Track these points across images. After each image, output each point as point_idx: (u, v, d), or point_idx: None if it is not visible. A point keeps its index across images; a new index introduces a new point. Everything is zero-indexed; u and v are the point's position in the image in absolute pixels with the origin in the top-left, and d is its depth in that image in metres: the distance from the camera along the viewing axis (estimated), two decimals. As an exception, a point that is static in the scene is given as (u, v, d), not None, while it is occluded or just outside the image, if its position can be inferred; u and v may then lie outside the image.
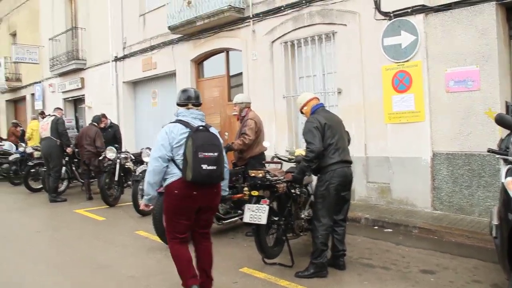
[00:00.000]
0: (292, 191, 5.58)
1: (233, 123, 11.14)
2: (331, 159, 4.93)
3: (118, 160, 9.70)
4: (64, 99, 18.43)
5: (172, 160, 4.08)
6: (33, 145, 13.46)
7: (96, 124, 10.67)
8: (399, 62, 7.67)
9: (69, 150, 10.46)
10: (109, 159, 9.72)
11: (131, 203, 8.43)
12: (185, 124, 4.12)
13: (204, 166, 3.94)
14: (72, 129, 17.43)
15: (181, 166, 4.03)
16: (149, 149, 9.12)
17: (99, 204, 9.66)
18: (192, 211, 4.18)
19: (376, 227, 7.21)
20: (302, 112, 5.42)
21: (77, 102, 18.61)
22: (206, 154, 3.98)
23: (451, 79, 7.13)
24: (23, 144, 14.16)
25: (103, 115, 11.36)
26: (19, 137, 16.43)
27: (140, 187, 8.45)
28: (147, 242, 6.64)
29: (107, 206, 9.46)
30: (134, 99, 15.21)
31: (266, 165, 6.71)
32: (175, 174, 4.08)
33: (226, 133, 11.27)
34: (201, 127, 4.14)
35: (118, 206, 9.59)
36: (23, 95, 22.23)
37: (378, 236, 6.73)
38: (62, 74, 18.24)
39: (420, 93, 7.44)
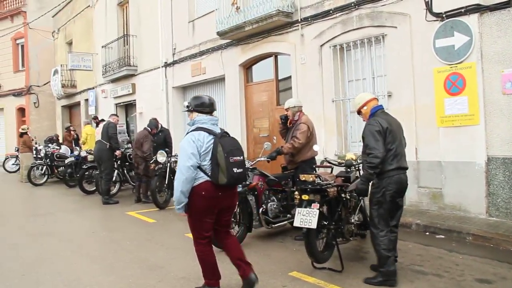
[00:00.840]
0: (342, 195, 5.53)
1: (281, 127, 11.14)
2: (390, 165, 4.81)
3: (168, 164, 9.89)
4: (116, 104, 18.99)
5: (198, 167, 4.29)
6: (87, 149, 13.95)
7: (149, 129, 10.89)
8: (452, 64, 7.47)
9: (118, 153, 10.80)
10: (160, 163, 9.94)
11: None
12: (208, 131, 4.37)
13: (235, 169, 4.28)
14: (124, 133, 18.01)
15: (208, 171, 4.29)
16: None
17: (150, 206, 9.90)
18: (216, 211, 4.47)
19: (427, 233, 7.03)
20: (359, 113, 5.29)
21: (128, 107, 19.12)
22: (235, 158, 4.32)
23: (508, 80, 6.88)
24: (78, 148, 14.70)
25: (155, 119, 11.62)
26: (71, 141, 17.05)
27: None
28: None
29: (158, 209, 9.66)
30: (183, 103, 15.46)
31: (317, 169, 6.68)
32: (201, 177, 4.30)
33: (274, 137, 11.37)
34: (224, 133, 4.49)
35: (168, 208, 9.78)
36: (77, 101, 23.05)
37: (430, 242, 6.56)
38: (114, 80, 18.79)
39: (474, 95, 7.22)
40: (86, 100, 21.69)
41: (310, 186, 5.08)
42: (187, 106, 4.59)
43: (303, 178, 5.14)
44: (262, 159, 6.85)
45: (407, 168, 5.03)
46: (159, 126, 11.69)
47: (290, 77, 10.81)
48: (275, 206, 6.92)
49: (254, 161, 6.89)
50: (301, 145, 6.78)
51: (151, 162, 10.22)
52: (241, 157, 4.41)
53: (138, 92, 17.34)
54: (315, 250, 5.08)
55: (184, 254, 6.25)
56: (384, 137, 4.77)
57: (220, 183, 4.26)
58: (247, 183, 6.53)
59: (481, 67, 7.15)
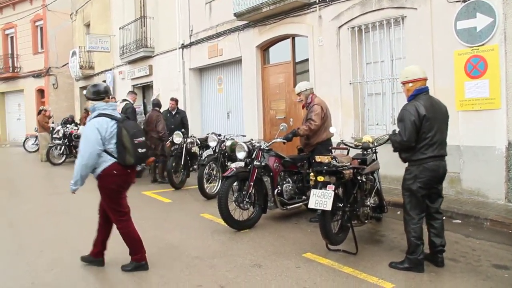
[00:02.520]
0: (358, 178, 5.49)
1: (298, 109, 11.06)
2: (423, 154, 4.63)
3: (184, 145, 9.92)
4: (133, 85, 19.04)
5: (104, 150, 4.57)
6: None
7: (158, 108, 10.94)
8: (473, 47, 7.30)
9: None
10: (176, 144, 9.97)
11: (197, 186, 8.60)
12: (110, 116, 4.63)
13: (140, 150, 4.66)
14: (140, 115, 18.08)
15: (114, 154, 4.59)
16: (215, 134, 9.27)
17: (166, 187, 9.95)
18: (127, 187, 4.90)
19: (444, 218, 6.93)
20: (402, 85, 4.92)
21: (145, 89, 19.18)
22: (139, 139, 4.69)
23: (532, 63, 6.72)
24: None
25: (172, 98, 11.63)
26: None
27: (206, 171, 8.64)
28: (212, 224, 6.76)
29: (174, 189, 9.71)
30: (200, 85, 15.49)
31: (333, 151, 6.63)
32: (109, 160, 4.60)
33: (291, 119, 11.33)
34: (125, 117, 4.86)
35: (184, 189, 9.83)
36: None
37: (447, 227, 6.34)
38: (131, 62, 18.83)
39: (496, 79, 7.06)
40: (104, 81, 21.76)
41: (325, 167, 5.04)
42: (85, 95, 4.96)
43: (319, 160, 5.10)
44: (278, 140, 6.82)
45: (445, 155, 4.78)
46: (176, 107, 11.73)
47: (307, 59, 10.71)
48: (290, 187, 6.89)
49: (270, 142, 6.87)
50: (317, 127, 6.73)
51: (167, 142, 10.28)
52: (143, 138, 4.79)
53: (155, 73, 17.36)
54: (330, 232, 5.06)
55: (198, 234, 6.29)
56: (419, 126, 4.57)
57: (127, 164, 4.63)
58: (262, 163, 6.51)
59: (504, 49, 6.97)
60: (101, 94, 4.82)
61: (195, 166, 10.21)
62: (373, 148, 6.28)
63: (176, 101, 11.73)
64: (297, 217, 7.14)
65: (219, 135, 9.31)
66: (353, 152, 6.33)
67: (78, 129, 15.51)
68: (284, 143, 6.76)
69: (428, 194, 4.79)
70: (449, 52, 7.60)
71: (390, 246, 5.65)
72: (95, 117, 4.63)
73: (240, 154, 6.72)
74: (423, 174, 4.66)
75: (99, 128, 4.52)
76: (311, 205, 4.93)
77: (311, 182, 5.12)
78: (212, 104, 14.91)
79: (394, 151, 4.90)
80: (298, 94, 7.18)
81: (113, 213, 4.85)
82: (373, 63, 9.21)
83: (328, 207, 4.83)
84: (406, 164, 4.86)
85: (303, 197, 7.13)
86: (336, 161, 5.10)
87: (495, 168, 7.20)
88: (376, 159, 6.34)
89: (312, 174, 5.12)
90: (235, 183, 6.43)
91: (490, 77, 7.14)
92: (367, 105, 9.50)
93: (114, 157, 4.59)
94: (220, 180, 8.91)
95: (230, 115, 13.96)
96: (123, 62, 19.35)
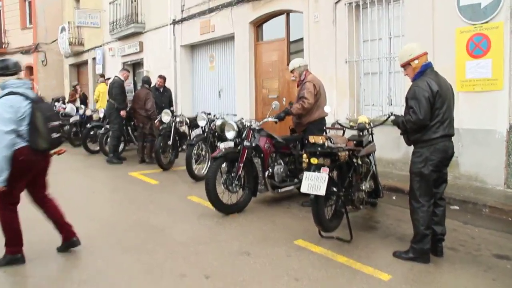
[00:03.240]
0: (354, 160, 5.17)
1: (292, 88, 10.72)
2: (434, 133, 4.31)
3: (173, 124, 9.56)
4: (124, 63, 18.51)
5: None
6: (100, 107, 13.60)
7: (148, 86, 10.56)
8: (477, 24, 6.94)
9: (122, 113, 10.42)
10: (165, 123, 9.61)
11: (185, 167, 8.28)
12: (23, 95, 4.22)
13: (53, 135, 4.36)
14: (131, 93, 17.64)
15: (25, 136, 4.20)
16: (205, 113, 8.90)
17: (154, 167, 9.61)
18: (30, 175, 4.41)
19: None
20: (405, 66, 4.57)
21: (135, 66, 18.69)
22: (53, 123, 4.38)
23: (538, 42, 6.37)
24: (83, 106, 14.38)
25: (160, 76, 11.25)
26: (75, 100, 16.69)
27: (195, 151, 8.31)
28: (199, 208, 6.45)
29: (161, 170, 9.38)
30: (191, 63, 15.04)
31: (327, 131, 6.31)
32: (18, 143, 4.17)
33: (284, 98, 10.96)
34: (39, 98, 4.53)
35: (172, 170, 9.50)
36: (85, 59, 22.62)
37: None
38: (121, 38, 18.30)
39: (499, 58, 6.72)
40: (94, 58, 21.27)
41: (319, 148, 4.71)
42: None
43: (313, 140, 4.75)
44: (270, 119, 6.47)
45: (453, 135, 4.48)
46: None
47: (301, 36, 10.28)
48: (282, 170, 6.59)
49: (262, 122, 6.52)
50: (310, 105, 6.38)
51: (155, 121, 9.93)
52: (58, 122, 4.52)
53: (146, 50, 16.88)
54: (323, 218, 4.75)
55: (185, 218, 5.98)
56: (432, 102, 4.25)
57: (39, 149, 4.28)
58: (252, 144, 6.18)
59: (509, 27, 6.60)
60: (10, 69, 4.37)
61: (184, 146, 9.88)
62: (369, 129, 5.95)
63: (164, 78, 11.34)
64: (288, 201, 6.84)
65: (209, 114, 8.94)
66: (348, 134, 6.01)
67: (65, 108, 15.07)
68: (276, 122, 6.42)
69: (435, 179, 4.48)
70: (451, 29, 7.24)
71: (386, 233, 5.37)
72: (6, 95, 4.19)
73: (230, 134, 6.37)
74: (434, 155, 4.35)
75: (12, 106, 4.10)
76: (304, 189, 4.61)
77: (304, 165, 4.81)
78: (204, 82, 14.49)
79: (404, 132, 4.56)
80: (292, 71, 6.83)
81: (3, 198, 4.29)
82: (370, 41, 8.83)
83: (322, 191, 4.51)
84: (409, 147, 4.60)
85: (295, 180, 6.83)
86: (331, 142, 4.76)
87: (495, 152, 6.90)
88: (372, 140, 6.03)
89: (305, 155, 4.79)
90: (224, 165, 6.10)
91: (493, 57, 6.80)
92: (363, 84, 9.14)
93: (26, 140, 4.20)
94: (209, 161, 8.59)
95: (222, 93, 13.57)
96: (113, 38, 18.81)
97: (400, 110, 8.35)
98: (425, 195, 4.44)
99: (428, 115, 4.27)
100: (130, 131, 11.39)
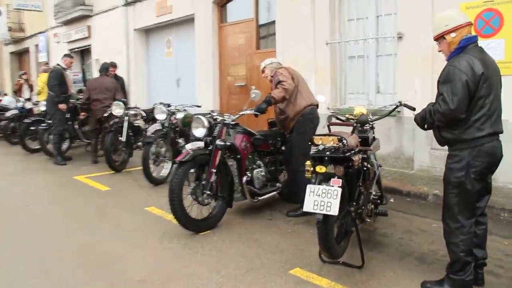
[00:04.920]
0: (364, 163, 4.01)
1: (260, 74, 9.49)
2: (480, 131, 3.19)
3: (126, 118, 8.18)
4: (70, 50, 16.76)
5: None
6: (43, 99, 11.92)
7: (107, 74, 9.15)
8: (486, -2, 5.94)
9: (60, 107, 8.86)
10: (116, 116, 8.22)
11: (141, 168, 6.95)
12: None
13: None
14: (79, 83, 16.00)
15: None
16: (163, 104, 7.55)
17: (104, 168, 8.18)
18: None
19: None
20: (438, 40, 3.44)
21: (84, 53, 17.03)
22: None
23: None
24: (21, 99, 12.61)
25: (112, 64, 9.81)
26: (21, 92, 14.89)
27: (153, 150, 6.99)
28: (161, 224, 5.15)
29: (113, 172, 7.99)
30: (146, 48, 13.55)
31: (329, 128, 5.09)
32: None
33: (253, 87, 9.66)
34: None
35: (125, 171, 8.12)
36: (26, 47, 20.69)
37: (457, 220, 5.19)
38: (67, 23, 16.63)
39: (513, 36, 5.73)
40: (37, 45, 19.37)
41: (327, 153, 3.50)
42: None
43: (319, 142, 3.54)
44: (248, 112, 5.19)
45: (501, 132, 3.39)
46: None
47: (274, 17, 9.06)
48: (262, 174, 5.40)
49: (237, 115, 5.24)
50: (292, 86, 5.15)
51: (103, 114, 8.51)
52: None
53: (95, 35, 15.31)
54: (333, 243, 3.56)
55: (143, 240, 4.67)
56: (474, 89, 3.14)
57: None
58: (226, 143, 4.94)
59: (527, -1, 5.63)
60: None
61: (140, 143, 8.51)
62: (371, 123, 4.81)
63: (115, 66, 9.89)
64: (269, 209, 5.64)
65: (169, 105, 7.59)
66: (346, 129, 4.85)
67: (1, 100, 13.30)
68: (256, 115, 5.19)
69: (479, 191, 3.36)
70: (455, 4, 6.17)
71: (400, 251, 4.27)
72: None
73: (198, 131, 5.05)
74: (479, 160, 3.21)
75: None
76: (308, 207, 3.40)
77: (307, 174, 3.58)
78: (160, 70, 13.04)
79: (428, 127, 3.46)
80: (263, 71, 5.73)
81: None
82: (356, 20, 7.69)
83: (334, 210, 3.33)
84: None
85: (277, 184, 5.67)
86: (344, 143, 3.56)
87: (506, 145, 5.88)
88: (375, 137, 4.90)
89: (308, 162, 3.56)
90: (192, 170, 4.81)
91: (506, 36, 5.81)
92: (346, 69, 8.02)
93: None
94: (170, 162, 7.28)
95: (181, 82, 12.18)
96: (58, 23, 17.11)
97: (389, 99, 7.37)
98: (466, 212, 3.32)
99: (464, 106, 3.13)
100: (76, 126, 9.87)
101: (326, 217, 3.41)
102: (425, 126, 3.52)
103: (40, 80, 12.91)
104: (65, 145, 9.71)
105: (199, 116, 5.04)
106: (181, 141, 7.46)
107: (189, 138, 7.50)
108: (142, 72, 13.49)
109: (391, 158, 7.10)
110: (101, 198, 6.36)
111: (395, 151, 7.03)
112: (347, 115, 5.00)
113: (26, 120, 10.50)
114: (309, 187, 3.45)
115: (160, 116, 7.33)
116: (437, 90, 3.38)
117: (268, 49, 9.32)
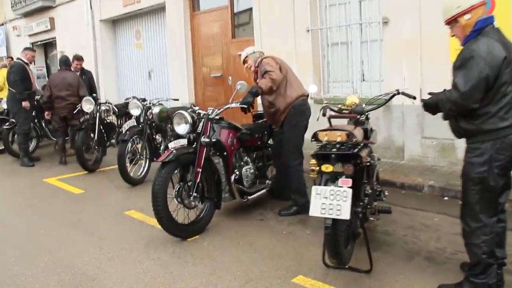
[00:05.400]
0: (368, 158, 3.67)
1: (238, 64, 9.06)
2: (503, 120, 2.87)
3: (97, 114, 7.67)
4: (32, 43, 15.93)
5: None
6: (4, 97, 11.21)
7: (69, 68, 8.54)
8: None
9: (24, 105, 8.22)
10: (87, 113, 7.70)
11: (116, 166, 6.50)
12: None
13: None
14: (44, 78, 15.28)
15: None
16: (137, 99, 7.07)
17: (76, 169, 7.66)
18: None
19: (446, 198, 5.41)
20: (450, 23, 3.10)
21: (47, 47, 16.22)
22: None
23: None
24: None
25: (77, 57, 9.21)
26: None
27: (129, 148, 6.53)
28: (144, 230, 4.72)
29: (86, 172, 7.48)
30: (114, 40, 12.91)
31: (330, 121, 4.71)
32: None
33: (230, 78, 9.31)
34: None
35: (99, 171, 7.63)
36: (-15, 41, 19.62)
37: (454, 212, 4.94)
38: (27, 14, 15.75)
39: (506, 20, 5.44)
40: (-5, 39, 18.41)
41: (334, 150, 3.14)
42: None
43: (325, 138, 3.18)
44: (234, 105, 4.78)
45: None
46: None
47: (250, 4, 8.63)
48: (251, 170, 5.04)
49: (222, 109, 4.83)
50: (279, 77, 4.74)
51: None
52: None
53: (58, 28, 14.52)
54: (342, 249, 3.23)
55: (125, 250, 4.23)
56: (493, 75, 2.80)
57: None
58: (211, 139, 4.54)
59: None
60: None
61: (113, 141, 8.03)
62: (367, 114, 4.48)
63: (82, 59, 9.29)
64: (259, 208, 5.28)
65: (144, 100, 7.11)
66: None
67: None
68: (243, 110, 4.78)
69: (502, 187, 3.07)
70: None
71: (406, 250, 3.97)
72: None
73: (181, 128, 4.61)
74: (503, 153, 2.89)
75: None
76: (315, 211, 3.05)
77: (312, 174, 3.21)
78: (130, 62, 12.45)
79: (446, 117, 3.14)
80: (244, 61, 5.24)
81: None
82: (338, 5, 7.33)
83: (345, 214, 2.99)
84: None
85: (267, 181, 5.31)
86: (352, 138, 3.21)
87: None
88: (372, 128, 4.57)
89: (313, 161, 3.20)
90: (176, 171, 4.40)
91: (498, 18, 5.50)
92: (328, 57, 7.69)
93: None
94: (148, 160, 6.83)
95: (152, 74, 11.64)
96: (16, 15, 16.20)
97: (375, 87, 7.09)
98: (488, 210, 3.02)
99: (478, 94, 2.82)
100: (43, 124, 9.28)
101: (335, 221, 3.06)
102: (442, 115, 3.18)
103: (1, 76, 12.16)
104: (32, 145, 9.10)
105: (181, 111, 4.60)
106: (158, 137, 7.02)
107: (166, 134, 7.08)
108: (111, 66, 12.86)
109: (381, 148, 6.80)
110: (75, 203, 5.86)
111: (384, 141, 6.74)
112: (339, 106, 4.66)
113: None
114: (315, 189, 3.09)
115: (135, 111, 6.85)
116: (452, 75, 3.06)
117: (245, 37, 8.90)
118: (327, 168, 3.11)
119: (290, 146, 4.92)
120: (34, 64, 14.60)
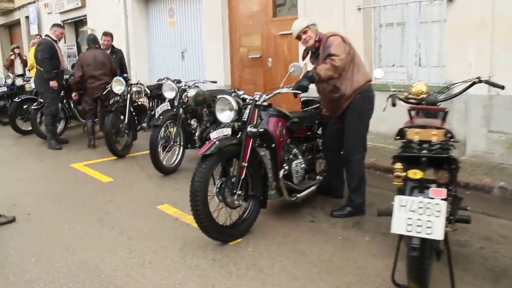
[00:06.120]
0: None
1: (279, 45, 8.44)
2: None
3: (128, 95, 7.16)
4: (63, 21, 15.55)
5: None
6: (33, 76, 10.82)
7: (99, 46, 8.05)
8: None
9: (52, 84, 7.75)
10: (117, 94, 7.20)
11: (147, 151, 6.01)
12: None
13: None
14: (74, 57, 14.88)
15: None
16: (172, 80, 6.52)
17: (104, 154, 7.19)
18: None
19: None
20: None
21: (78, 25, 15.81)
22: None
23: None
24: (11, 75, 11.46)
25: (105, 33, 8.68)
26: (12, 67, 13.72)
27: (161, 134, 6.00)
28: (179, 229, 4.17)
29: (115, 158, 7.00)
30: (146, 18, 12.35)
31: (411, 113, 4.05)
32: None
33: (269, 59, 8.68)
34: None
35: (129, 157, 7.15)
36: (17, 19, 19.37)
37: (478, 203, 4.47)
38: (59, -9, 15.38)
39: None
40: (27, 17, 18.10)
41: (425, 152, 2.51)
42: None
43: (415, 137, 2.55)
44: (285, 90, 4.16)
45: None
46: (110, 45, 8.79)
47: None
48: (302, 165, 4.43)
49: (271, 94, 4.21)
50: (344, 63, 4.10)
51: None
52: None
53: (90, 5, 14.07)
54: (429, 274, 2.60)
55: (160, 253, 3.69)
56: None
57: None
58: (258, 129, 3.94)
59: None
60: None
61: (144, 124, 7.52)
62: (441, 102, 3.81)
63: (111, 36, 8.75)
64: (307, 206, 4.68)
65: (179, 81, 6.55)
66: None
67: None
68: (295, 95, 4.17)
69: None
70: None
71: (489, 269, 3.34)
72: None
73: (225, 115, 4.01)
74: None
75: None
76: (399, 228, 2.43)
77: (396, 181, 2.58)
78: (162, 41, 11.87)
79: None
80: (302, 33, 4.34)
81: None
82: (394, -20, 6.62)
83: (438, 233, 2.39)
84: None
85: (317, 177, 4.71)
86: (450, 138, 2.57)
87: None
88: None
89: (398, 165, 2.56)
90: (219, 164, 3.83)
91: None
92: (381, 39, 6.98)
93: None
94: (182, 147, 6.30)
95: (186, 55, 11.06)
96: (48, -9, 15.81)
97: (435, 73, 6.37)
98: None
99: None
100: (72, 105, 8.85)
101: (424, 241, 2.44)
102: None
103: (31, 54, 11.79)
104: (60, 126, 8.69)
105: (225, 96, 4.00)
106: (193, 122, 6.46)
107: (202, 119, 6.53)
108: (142, 45, 12.33)
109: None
110: (103, 193, 5.36)
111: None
112: (405, 94, 4.00)
113: (16, 99, 9.45)
114: (399, 200, 2.47)
115: (169, 94, 6.31)
116: None
117: (287, 16, 8.23)
118: (416, 174, 2.48)
119: (354, 138, 4.30)
120: (65, 42, 14.31)
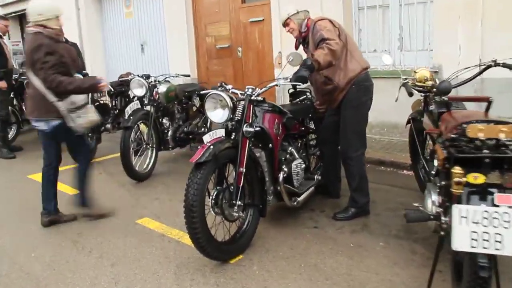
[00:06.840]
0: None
1: (249, 34, 7.93)
2: None
3: (89, 94, 6.48)
4: (5, 14, 14.40)
5: None
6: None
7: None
8: None
9: (1, 84, 6.98)
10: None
11: (114, 155, 5.47)
12: None
13: None
14: (21, 54, 13.85)
15: None
16: (140, 76, 5.88)
17: (66, 160, 6.43)
18: None
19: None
20: None
21: (23, 19, 14.71)
22: None
23: None
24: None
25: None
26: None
27: (133, 136, 5.41)
28: (169, 249, 3.61)
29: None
30: (100, 10, 11.52)
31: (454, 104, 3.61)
32: None
33: (239, 49, 8.14)
34: None
35: (94, 162, 6.38)
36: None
37: None
38: (-1, -18, 14.27)
39: None
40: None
41: (488, 151, 2.09)
42: None
43: (479, 133, 2.12)
44: (283, 82, 3.66)
45: None
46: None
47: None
48: (303, 166, 3.96)
49: (265, 88, 3.70)
50: (340, 47, 3.65)
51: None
52: None
53: (35, -3, 13.03)
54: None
55: (152, 285, 3.13)
56: None
57: None
58: (255, 128, 3.45)
59: None
60: None
61: (108, 125, 6.86)
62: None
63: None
64: (306, 209, 4.24)
65: (148, 76, 5.92)
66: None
67: None
68: (295, 88, 3.66)
69: None
70: None
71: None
72: None
73: (217, 114, 3.47)
74: None
75: None
76: (462, 245, 2.00)
77: (455, 189, 2.13)
78: (119, 34, 11.09)
79: None
80: (286, 23, 4.04)
81: None
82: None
83: (509, 248, 1.95)
84: None
85: (315, 176, 4.26)
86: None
87: None
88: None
89: (457, 169, 2.11)
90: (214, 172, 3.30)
91: None
92: (359, 23, 6.60)
93: None
94: (155, 150, 5.71)
95: (146, 47, 10.36)
96: (-13, -18, 14.64)
97: (422, 57, 6.04)
98: None
99: None
100: (24, 107, 8.03)
101: (493, 257, 2.03)
102: None
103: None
104: (11, 132, 7.87)
105: (217, 92, 3.45)
106: (165, 121, 5.89)
107: (174, 117, 5.97)
108: (97, 38, 11.50)
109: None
110: (70, 209, 4.67)
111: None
112: (419, 83, 3.61)
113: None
114: (459, 209, 2.04)
115: (138, 91, 5.69)
116: None
117: (257, 1, 7.71)
118: (477, 178, 2.05)
119: (351, 133, 3.88)
120: (9, 38, 13.26)
